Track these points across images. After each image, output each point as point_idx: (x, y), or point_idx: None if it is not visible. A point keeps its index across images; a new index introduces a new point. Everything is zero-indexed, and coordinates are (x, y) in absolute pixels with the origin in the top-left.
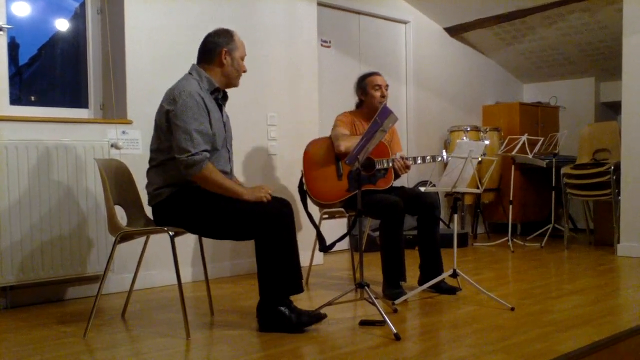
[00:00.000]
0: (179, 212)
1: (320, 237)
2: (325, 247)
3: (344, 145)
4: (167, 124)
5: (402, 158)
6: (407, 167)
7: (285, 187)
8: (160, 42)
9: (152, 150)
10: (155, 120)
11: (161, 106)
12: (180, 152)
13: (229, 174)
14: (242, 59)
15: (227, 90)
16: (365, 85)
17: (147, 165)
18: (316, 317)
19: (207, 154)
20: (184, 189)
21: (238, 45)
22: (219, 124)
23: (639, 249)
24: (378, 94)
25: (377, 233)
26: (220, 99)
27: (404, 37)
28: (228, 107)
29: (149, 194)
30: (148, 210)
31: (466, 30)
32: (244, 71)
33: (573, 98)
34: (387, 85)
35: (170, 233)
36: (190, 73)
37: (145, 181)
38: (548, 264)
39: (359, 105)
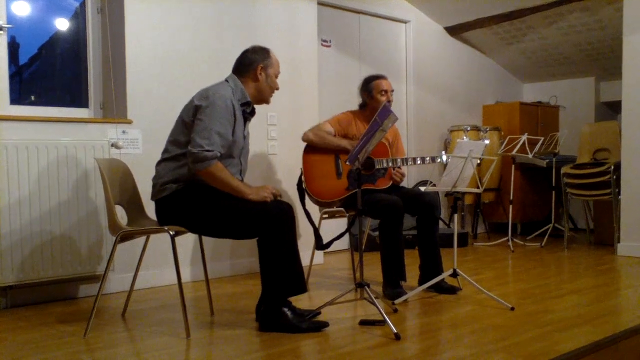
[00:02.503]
0: (181, 209)
1: (317, 235)
2: (322, 246)
3: (308, 136)
4: (192, 118)
5: (397, 169)
6: (403, 175)
7: (285, 187)
8: (161, 42)
9: (168, 142)
10: (181, 115)
11: (191, 101)
12: (194, 145)
13: None
14: (276, 76)
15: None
16: (371, 89)
17: (147, 165)
18: (317, 325)
19: (218, 154)
20: (190, 186)
21: (274, 62)
22: (240, 136)
23: (639, 248)
24: (384, 98)
25: (377, 233)
26: (249, 113)
27: (404, 37)
28: None
29: (154, 186)
30: (148, 210)
31: (466, 30)
32: (277, 89)
33: (573, 98)
34: (392, 90)
35: (171, 233)
36: (227, 80)
37: (146, 180)
38: (548, 263)
39: (362, 106)
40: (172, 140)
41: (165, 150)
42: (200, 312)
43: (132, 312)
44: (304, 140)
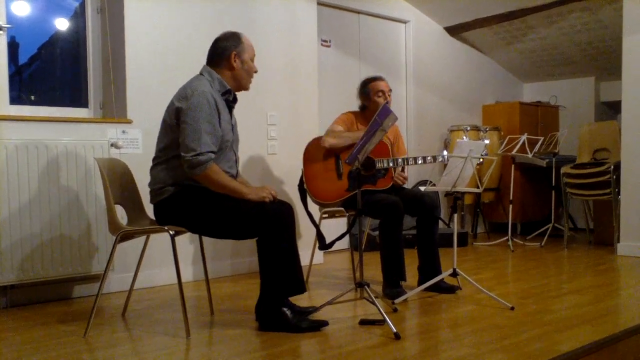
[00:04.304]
0: (181, 210)
1: (319, 236)
2: (324, 246)
3: (329, 141)
4: (176, 121)
5: (399, 174)
6: (405, 178)
7: (285, 187)
8: (160, 42)
9: (158, 149)
10: (164, 118)
11: (171, 103)
12: (186, 150)
13: (234, 177)
14: (252, 59)
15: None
16: (368, 91)
17: (147, 165)
18: (317, 324)
19: (213, 155)
20: (188, 188)
21: (246, 47)
22: (228, 126)
23: (639, 248)
24: (381, 100)
25: (377, 232)
26: (231, 100)
27: (404, 37)
28: None
29: (151, 191)
30: (148, 210)
31: (466, 30)
32: (255, 72)
33: (573, 97)
34: (390, 90)
35: (171, 232)
36: (202, 74)
37: (146, 179)
38: (548, 263)
39: (362, 108)
40: (162, 147)
41: (156, 157)
42: (200, 311)
43: (132, 311)
44: (327, 147)
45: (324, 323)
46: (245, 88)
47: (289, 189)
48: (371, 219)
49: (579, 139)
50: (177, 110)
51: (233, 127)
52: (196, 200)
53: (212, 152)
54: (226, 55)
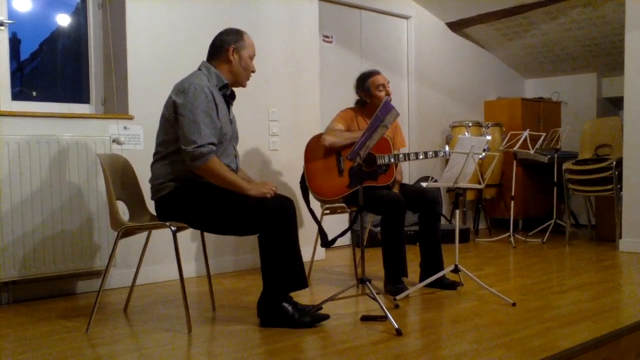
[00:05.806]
0: (182, 206)
1: (322, 232)
2: (326, 242)
3: (329, 140)
4: (174, 115)
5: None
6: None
7: (287, 183)
8: (162, 37)
9: (157, 144)
10: (163, 113)
11: (169, 98)
12: (186, 143)
13: (234, 171)
14: (251, 58)
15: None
16: (368, 87)
17: (148, 161)
18: (319, 318)
19: (214, 147)
20: (188, 183)
21: (247, 44)
22: (226, 120)
23: None
24: (383, 94)
25: (379, 229)
26: (228, 96)
27: (406, 32)
28: None
29: (152, 187)
30: (150, 205)
31: (468, 26)
32: (253, 71)
33: (575, 93)
34: (388, 82)
35: (173, 228)
36: (199, 69)
37: (147, 175)
38: (549, 259)
39: (361, 103)
40: (160, 142)
41: (156, 152)
42: (202, 307)
43: (134, 307)
44: (327, 146)
45: (326, 316)
46: (242, 85)
47: (291, 184)
48: (373, 215)
49: (581, 135)
50: (174, 104)
51: (231, 122)
52: (197, 195)
53: (212, 144)
54: (224, 48)
